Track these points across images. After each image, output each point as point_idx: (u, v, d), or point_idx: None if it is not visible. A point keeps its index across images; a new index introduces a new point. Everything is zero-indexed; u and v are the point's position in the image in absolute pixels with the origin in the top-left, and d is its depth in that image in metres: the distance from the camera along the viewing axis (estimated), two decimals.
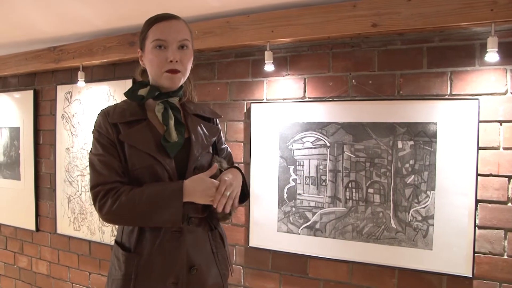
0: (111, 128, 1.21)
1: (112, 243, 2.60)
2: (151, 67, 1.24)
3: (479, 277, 1.71)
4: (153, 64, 1.22)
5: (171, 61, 1.19)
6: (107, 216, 1.17)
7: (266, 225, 2.15)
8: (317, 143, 2.02)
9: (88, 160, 1.26)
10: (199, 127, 1.33)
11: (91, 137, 1.27)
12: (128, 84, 2.55)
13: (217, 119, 1.46)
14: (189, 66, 1.27)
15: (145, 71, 1.32)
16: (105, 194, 1.16)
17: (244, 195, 1.35)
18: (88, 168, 2.76)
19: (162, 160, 1.19)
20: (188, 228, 1.24)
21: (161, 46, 1.20)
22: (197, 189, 1.16)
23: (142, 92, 1.26)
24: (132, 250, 1.21)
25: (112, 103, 2.57)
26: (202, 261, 1.26)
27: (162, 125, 1.25)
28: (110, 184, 1.17)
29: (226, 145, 1.48)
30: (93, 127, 1.26)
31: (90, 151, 1.25)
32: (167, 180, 1.20)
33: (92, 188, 1.19)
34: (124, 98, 1.32)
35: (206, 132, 1.34)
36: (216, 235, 1.33)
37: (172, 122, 1.24)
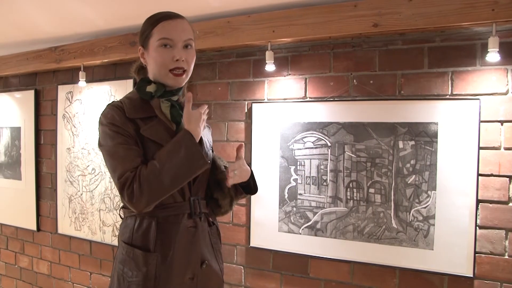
0: (129, 122, 1.19)
1: (113, 243, 2.63)
2: (155, 65, 1.23)
3: (480, 277, 1.71)
4: (158, 63, 1.22)
5: (177, 60, 1.20)
6: (138, 202, 1.11)
7: (267, 225, 2.15)
8: (318, 143, 2.02)
9: (103, 152, 1.20)
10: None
11: (102, 130, 1.21)
12: (129, 84, 2.55)
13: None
14: (193, 65, 1.28)
15: (142, 68, 1.33)
16: (132, 181, 1.11)
17: (251, 189, 1.39)
18: (89, 167, 2.76)
19: None
20: (200, 223, 1.27)
21: (166, 45, 1.20)
22: (195, 123, 1.18)
23: (150, 89, 1.26)
24: (152, 250, 1.19)
25: None
26: (209, 256, 1.30)
27: (169, 122, 1.27)
28: (136, 169, 1.13)
29: None
30: (103, 120, 1.21)
31: (104, 144, 1.19)
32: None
33: (120, 176, 1.13)
34: (121, 95, 1.33)
35: (205, 129, 1.39)
36: (214, 231, 1.37)
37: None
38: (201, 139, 1.25)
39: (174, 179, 1.13)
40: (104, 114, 1.21)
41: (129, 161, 1.14)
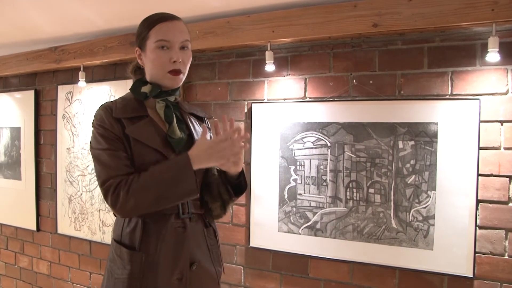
0: (115, 123, 1.19)
1: None
2: (153, 66, 1.24)
3: (480, 277, 1.71)
4: (156, 64, 1.22)
5: (174, 62, 1.21)
6: (122, 209, 1.13)
7: (266, 225, 2.14)
8: (318, 143, 2.02)
9: (91, 155, 1.22)
10: (196, 125, 1.38)
11: (92, 131, 1.24)
12: (129, 84, 2.52)
13: (207, 119, 1.50)
14: (189, 65, 1.29)
15: (138, 68, 1.33)
16: (116, 188, 1.13)
17: (241, 187, 1.34)
18: (89, 168, 2.76)
19: (168, 156, 1.21)
20: (190, 224, 1.26)
21: (163, 47, 1.21)
22: (204, 151, 1.15)
23: (145, 89, 1.26)
24: (137, 248, 1.20)
25: None
26: (201, 257, 1.28)
27: (162, 122, 1.27)
28: (120, 177, 1.14)
29: None
30: (94, 121, 1.23)
31: (93, 147, 1.22)
32: None
33: (104, 183, 1.15)
34: (121, 95, 1.33)
35: (201, 130, 1.38)
36: (211, 232, 1.35)
37: (175, 120, 1.27)
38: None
39: (159, 198, 1.14)
40: (95, 115, 1.23)
41: (114, 168, 1.15)
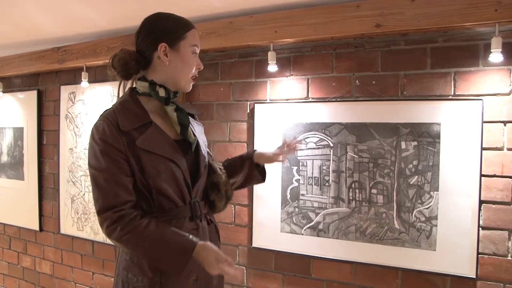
0: (120, 137, 1.12)
1: None
2: (183, 68, 1.24)
3: (483, 278, 1.71)
4: (186, 67, 1.24)
5: (198, 69, 1.28)
6: (113, 241, 1.15)
7: (269, 226, 2.15)
8: (321, 143, 2.02)
9: (89, 174, 1.15)
10: (196, 126, 1.38)
11: (91, 145, 1.15)
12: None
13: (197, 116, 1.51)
14: None
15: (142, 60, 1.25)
16: (114, 223, 1.10)
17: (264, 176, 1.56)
18: None
19: (178, 162, 1.20)
20: (201, 224, 1.28)
21: (194, 53, 1.26)
22: (208, 257, 1.15)
23: (162, 93, 1.23)
24: None
25: None
26: None
27: (165, 126, 1.25)
28: (120, 209, 1.11)
29: None
30: (95, 134, 1.14)
31: (91, 165, 1.14)
32: (182, 181, 1.21)
33: (100, 212, 1.12)
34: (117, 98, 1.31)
35: (198, 129, 1.39)
36: (213, 229, 1.38)
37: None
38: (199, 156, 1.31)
39: (147, 256, 1.15)
40: (96, 127, 1.15)
41: (112, 196, 1.11)
